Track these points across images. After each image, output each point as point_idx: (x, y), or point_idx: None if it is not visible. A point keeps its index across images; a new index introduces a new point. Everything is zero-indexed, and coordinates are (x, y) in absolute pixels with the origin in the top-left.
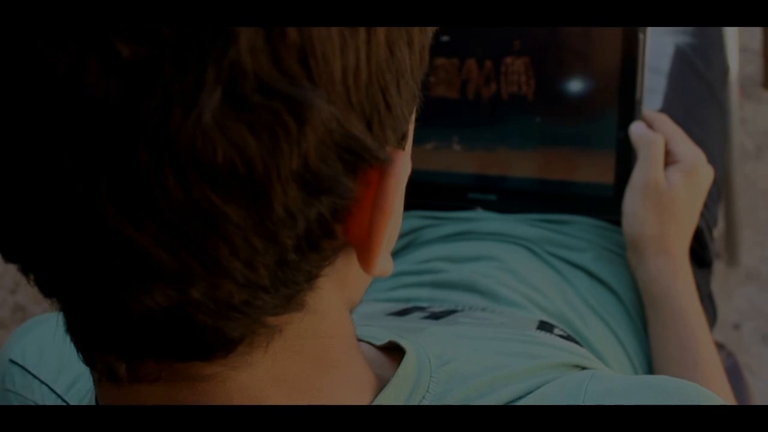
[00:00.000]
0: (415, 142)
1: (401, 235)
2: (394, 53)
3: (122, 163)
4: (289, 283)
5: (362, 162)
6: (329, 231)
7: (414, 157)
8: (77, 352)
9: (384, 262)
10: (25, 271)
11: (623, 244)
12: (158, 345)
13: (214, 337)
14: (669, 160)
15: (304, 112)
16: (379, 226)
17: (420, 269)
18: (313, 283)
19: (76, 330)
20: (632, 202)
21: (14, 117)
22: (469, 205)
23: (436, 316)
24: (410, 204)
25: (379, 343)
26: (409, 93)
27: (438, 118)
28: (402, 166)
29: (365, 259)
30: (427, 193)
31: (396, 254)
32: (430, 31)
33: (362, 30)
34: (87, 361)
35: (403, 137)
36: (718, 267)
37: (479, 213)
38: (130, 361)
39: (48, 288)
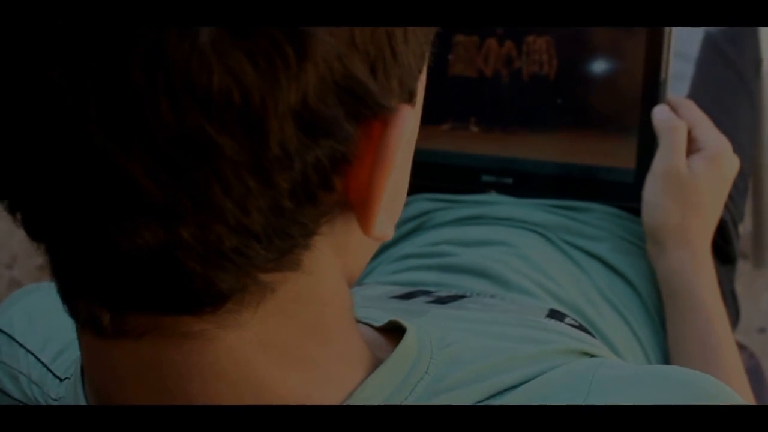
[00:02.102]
0: (431, 122)
1: (410, 218)
2: None
3: (114, 82)
4: (283, 235)
5: (364, 108)
6: (327, 181)
7: (429, 138)
8: (62, 302)
9: (384, 224)
10: (12, 208)
11: (642, 235)
12: (145, 294)
13: (203, 287)
14: (692, 147)
15: (304, 44)
16: (379, 181)
17: (428, 252)
18: (309, 240)
19: (61, 274)
20: (653, 190)
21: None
22: (482, 189)
23: (442, 301)
24: (421, 186)
25: (378, 324)
26: (417, 45)
27: (455, 98)
28: (407, 120)
29: (363, 217)
30: (440, 175)
31: (405, 237)
32: None
33: None
34: (71, 310)
35: (412, 94)
36: (745, 268)
37: (493, 197)
38: (115, 311)
39: (34, 226)
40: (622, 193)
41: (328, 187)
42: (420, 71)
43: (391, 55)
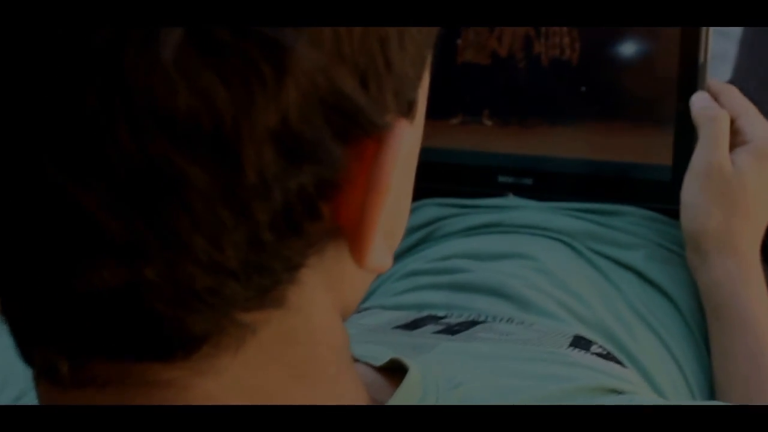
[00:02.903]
0: (439, 116)
1: (417, 228)
2: None
3: (67, 106)
4: (263, 271)
5: (354, 127)
6: (313, 210)
7: (436, 134)
8: (16, 347)
9: (380, 254)
10: None
11: (682, 241)
12: (107, 339)
13: (173, 331)
14: (737, 140)
15: (283, 58)
16: (373, 207)
17: (437, 268)
18: (295, 274)
19: (13, 317)
20: (692, 190)
21: None
22: (499, 191)
23: (451, 330)
24: (429, 190)
25: (379, 363)
26: (416, 51)
27: (466, 88)
28: (405, 138)
29: (356, 248)
30: (450, 177)
31: (411, 250)
32: None
33: None
34: (25, 356)
35: (410, 106)
36: None
37: (511, 200)
38: (75, 358)
39: None
40: (658, 193)
41: (314, 217)
42: (420, 79)
43: (384, 64)
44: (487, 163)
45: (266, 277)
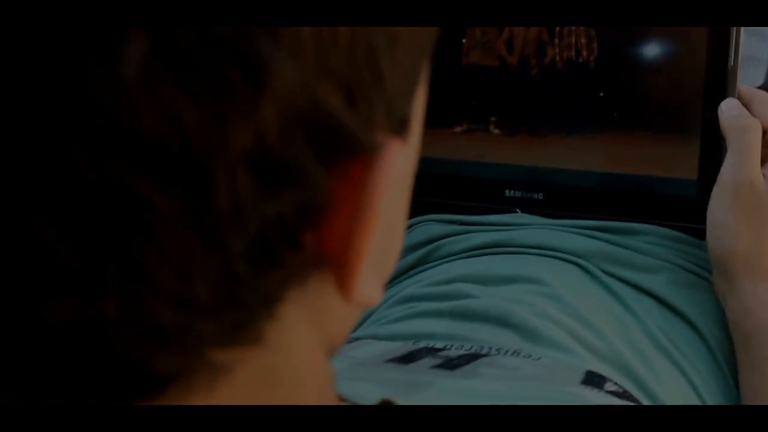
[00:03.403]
0: (442, 123)
1: (415, 247)
2: None
3: (19, 124)
4: (238, 306)
5: (339, 148)
6: (293, 239)
7: (438, 143)
8: None
9: (368, 287)
10: None
11: (707, 264)
12: (65, 381)
13: (138, 372)
14: None
15: (259, 73)
16: (361, 235)
17: (438, 293)
18: (274, 309)
19: None
20: (720, 207)
21: None
22: (506, 207)
23: (451, 365)
24: (429, 205)
25: (368, 404)
26: (411, 63)
27: (471, 93)
28: (396, 159)
29: (342, 279)
30: (452, 191)
31: (409, 271)
32: None
33: None
34: None
35: (403, 123)
36: None
37: (519, 217)
38: (31, 400)
39: None
40: (682, 210)
41: (294, 246)
42: (413, 93)
43: (373, 78)
44: (493, 175)
45: (241, 313)
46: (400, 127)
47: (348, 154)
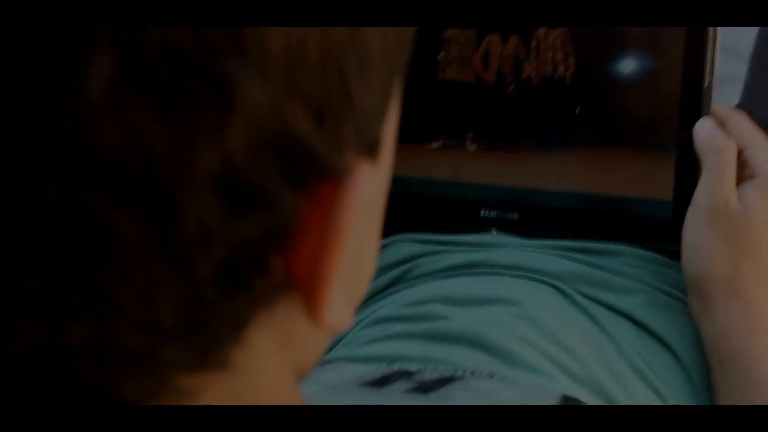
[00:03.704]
0: (416, 140)
1: (389, 267)
2: (356, 35)
3: None
4: (205, 331)
5: (308, 170)
6: (262, 262)
7: (412, 161)
8: None
9: (338, 312)
10: None
11: (684, 285)
12: (28, 405)
13: (102, 398)
14: (745, 174)
15: (228, 94)
16: (330, 259)
17: (411, 314)
18: (241, 333)
19: None
20: (694, 229)
21: None
22: (481, 227)
23: (424, 388)
24: (404, 224)
25: None
26: (382, 83)
27: (447, 109)
28: (367, 182)
29: (311, 304)
30: (427, 210)
31: (383, 292)
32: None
33: None
34: None
35: (374, 145)
36: None
37: (495, 237)
38: None
39: None
40: (658, 231)
41: (262, 270)
42: (385, 114)
43: (343, 99)
44: (468, 195)
45: (208, 337)
46: (370, 149)
47: (317, 176)
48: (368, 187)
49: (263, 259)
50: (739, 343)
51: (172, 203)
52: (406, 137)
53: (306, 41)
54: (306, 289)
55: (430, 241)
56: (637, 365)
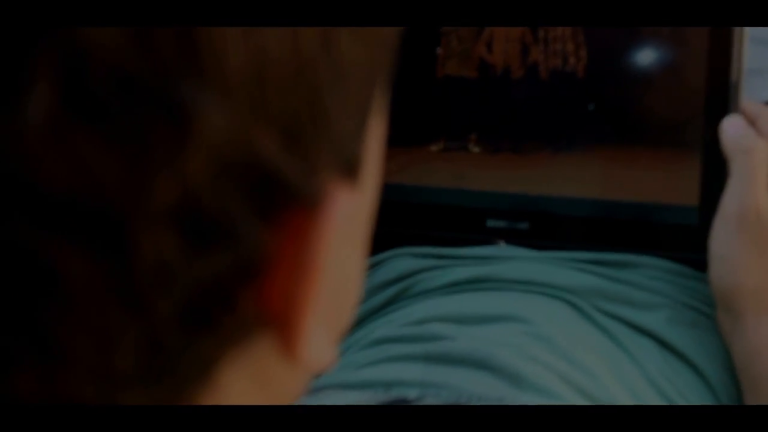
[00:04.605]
0: (416, 141)
1: (388, 284)
2: (331, 46)
3: None
4: (169, 375)
5: (277, 198)
6: (229, 299)
7: (411, 166)
8: None
9: (317, 348)
10: None
11: (711, 300)
12: None
13: None
14: None
15: (184, 120)
16: (304, 293)
17: (411, 334)
18: (209, 374)
19: None
20: (723, 239)
21: None
22: (488, 238)
23: None
24: (403, 237)
25: None
26: (360, 99)
27: (449, 107)
28: (343, 206)
29: (286, 341)
30: (428, 221)
31: (381, 310)
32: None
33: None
34: None
35: (353, 166)
36: None
37: (503, 249)
38: None
39: None
40: (682, 240)
41: (230, 307)
42: (364, 129)
43: (315, 118)
44: (473, 203)
45: (172, 382)
46: (348, 170)
47: (287, 203)
48: (346, 212)
49: (231, 296)
50: None
51: (126, 241)
52: (403, 139)
53: (272, 57)
54: (280, 325)
55: (431, 255)
56: (661, 386)
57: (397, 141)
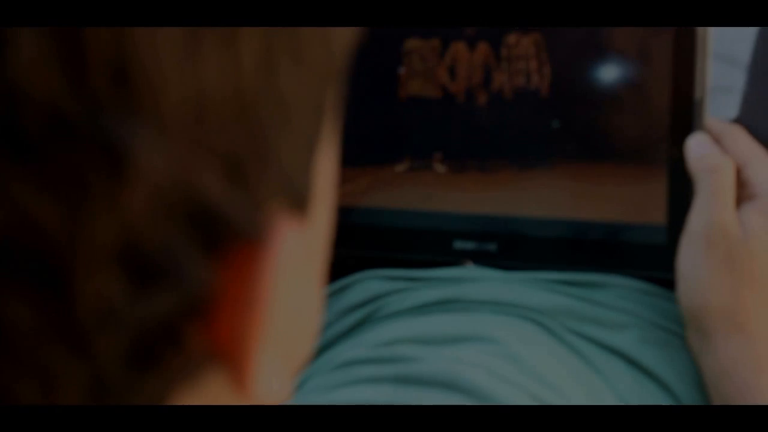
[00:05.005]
0: (380, 161)
1: (355, 307)
2: (273, 81)
3: None
4: None
5: (220, 233)
6: (175, 337)
7: (376, 187)
8: None
9: (269, 383)
10: None
11: (682, 319)
12: None
13: None
14: (744, 194)
15: (120, 160)
16: (251, 328)
17: (379, 356)
18: None
19: None
20: (690, 258)
21: None
22: (455, 260)
23: None
24: (370, 260)
25: None
26: (308, 130)
27: (412, 127)
28: (288, 240)
29: (236, 377)
30: (394, 243)
31: (348, 333)
32: (341, 41)
33: (219, 33)
34: None
35: (301, 197)
36: None
37: (471, 270)
38: None
39: None
40: (651, 259)
41: (176, 345)
42: (312, 160)
43: (258, 152)
44: (440, 225)
45: None
46: (296, 203)
47: (230, 239)
48: (293, 244)
49: (177, 333)
50: (743, 381)
51: (67, 282)
52: (367, 159)
53: (211, 93)
54: (229, 360)
55: (399, 278)
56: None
57: (360, 161)
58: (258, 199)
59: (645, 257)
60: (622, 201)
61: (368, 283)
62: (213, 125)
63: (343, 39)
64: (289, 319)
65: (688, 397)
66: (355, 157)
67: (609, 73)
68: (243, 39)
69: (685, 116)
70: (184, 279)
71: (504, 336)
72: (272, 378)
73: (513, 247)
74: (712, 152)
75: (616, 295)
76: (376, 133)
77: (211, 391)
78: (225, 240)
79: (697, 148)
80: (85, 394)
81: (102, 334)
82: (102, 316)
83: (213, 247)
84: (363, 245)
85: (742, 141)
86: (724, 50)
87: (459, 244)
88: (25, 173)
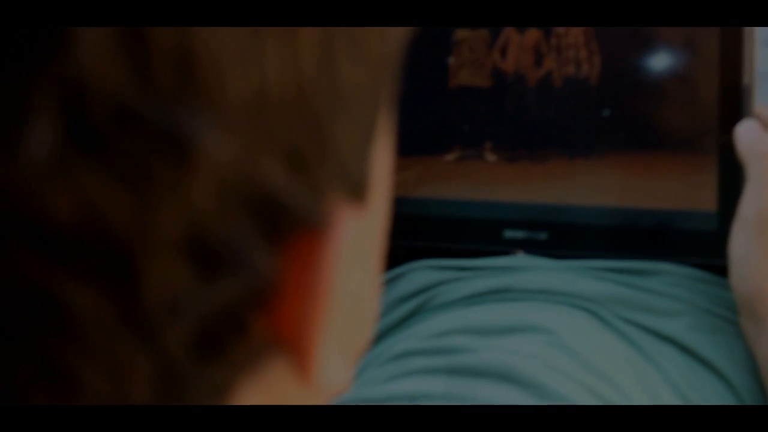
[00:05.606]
0: (429, 151)
1: (407, 297)
2: (331, 72)
3: None
4: (182, 401)
5: (284, 223)
6: (239, 325)
7: (426, 177)
8: None
9: (331, 371)
10: None
11: (734, 305)
12: None
13: None
14: None
15: (187, 152)
16: (314, 315)
17: (432, 347)
18: (224, 401)
19: None
20: (742, 243)
21: None
22: (506, 249)
23: None
24: (421, 250)
25: None
26: (364, 119)
27: (462, 117)
28: (350, 227)
29: (299, 365)
30: (445, 233)
31: (401, 324)
32: (397, 33)
33: (281, 32)
34: None
35: (359, 186)
36: None
37: (522, 259)
38: None
39: None
40: (702, 246)
41: (241, 333)
42: (369, 149)
43: (318, 142)
44: (490, 215)
45: None
46: (355, 192)
47: (294, 229)
48: (354, 232)
49: (242, 322)
50: None
51: (134, 272)
52: (418, 149)
53: (272, 85)
54: (292, 349)
55: (450, 267)
56: (685, 393)
57: (411, 151)
58: (318, 188)
59: (696, 244)
60: (673, 189)
61: (420, 274)
62: (274, 116)
63: (398, 32)
64: (349, 307)
65: (742, 383)
66: (406, 147)
67: (657, 62)
68: (303, 33)
69: (733, 103)
70: (248, 268)
71: (557, 326)
72: (334, 366)
73: (564, 236)
74: (761, 138)
75: (668, 283)
76: (427, 123)
77: (274, 380)
78: (287, 229)
79: (746, 134)
80: (153, 382)
81: (168, 323)
82: (168, 305)
83: (276, 236)
84: (414, 235)
85: None
86: None
87: (509, 234)
88: (94, 165)
